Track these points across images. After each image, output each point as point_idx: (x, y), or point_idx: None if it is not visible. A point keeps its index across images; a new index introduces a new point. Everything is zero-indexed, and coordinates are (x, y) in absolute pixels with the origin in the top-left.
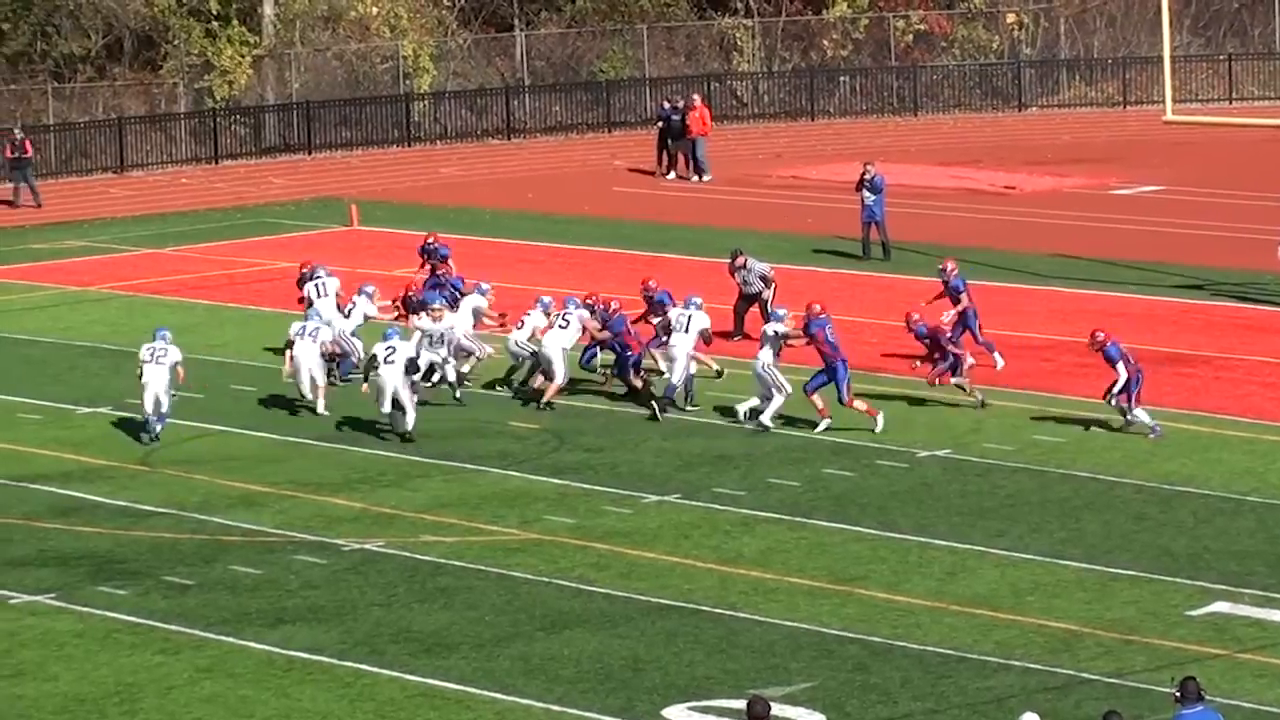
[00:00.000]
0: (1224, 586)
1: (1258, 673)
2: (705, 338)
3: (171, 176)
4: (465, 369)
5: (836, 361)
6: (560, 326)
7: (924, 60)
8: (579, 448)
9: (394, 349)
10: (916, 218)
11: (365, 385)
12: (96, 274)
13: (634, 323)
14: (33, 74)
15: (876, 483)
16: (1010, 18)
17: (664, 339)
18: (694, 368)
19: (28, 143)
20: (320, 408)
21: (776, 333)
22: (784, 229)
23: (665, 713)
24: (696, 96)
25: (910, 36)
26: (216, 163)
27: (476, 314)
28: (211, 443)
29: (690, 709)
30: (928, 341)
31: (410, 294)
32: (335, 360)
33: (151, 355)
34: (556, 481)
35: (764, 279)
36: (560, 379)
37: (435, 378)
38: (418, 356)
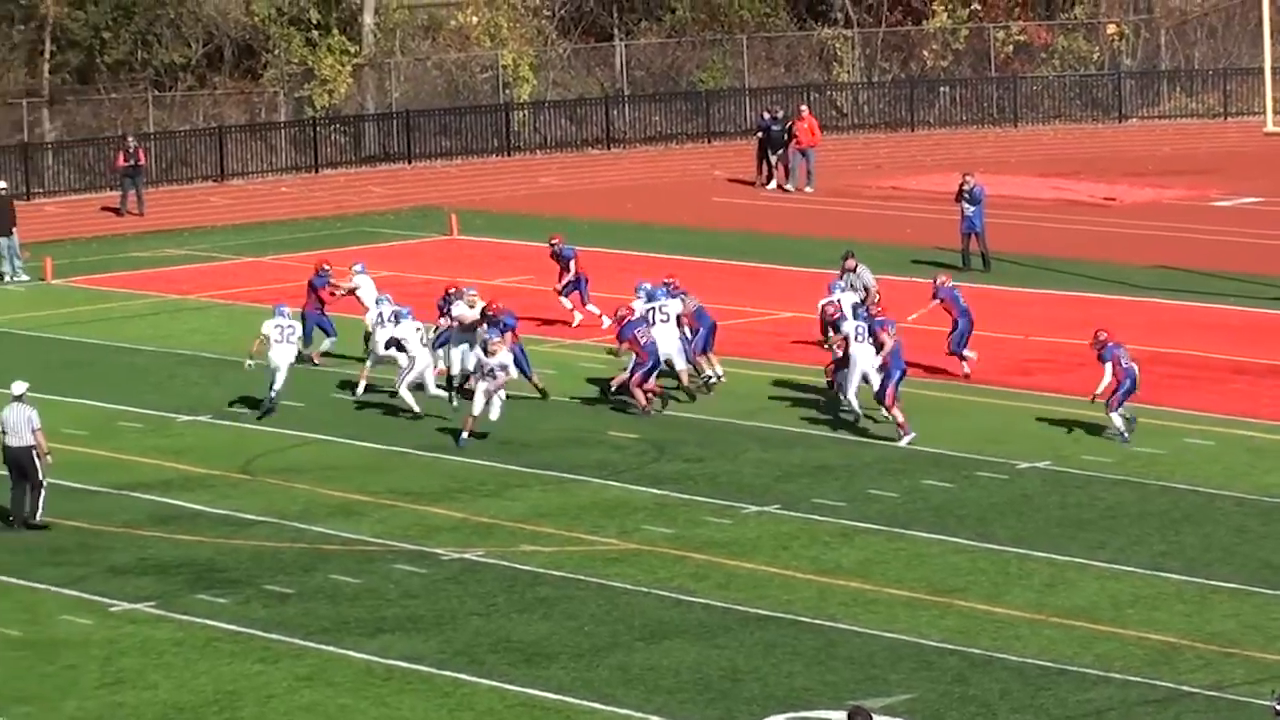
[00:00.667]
0: None
1: None
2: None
3: (271, 185)
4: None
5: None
6: (662, 321)
7: (1024, 71)
8: (678, 458)
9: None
10: (1015, 229)
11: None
12: (196, 282)
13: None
14: (134, 83)
15: (975, 494)
16: (1111, 29)
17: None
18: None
19: (141, 151)
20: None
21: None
22: (883, 239)
23: None
24: (804, 108)
25: (1010, 47)
26: (316, 171)
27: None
28: (312, 451)
29: None
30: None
31: (448, 293)
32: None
33: (281, 335)
34: (655, 492)
35: (867, 289)
36: (683, 364)
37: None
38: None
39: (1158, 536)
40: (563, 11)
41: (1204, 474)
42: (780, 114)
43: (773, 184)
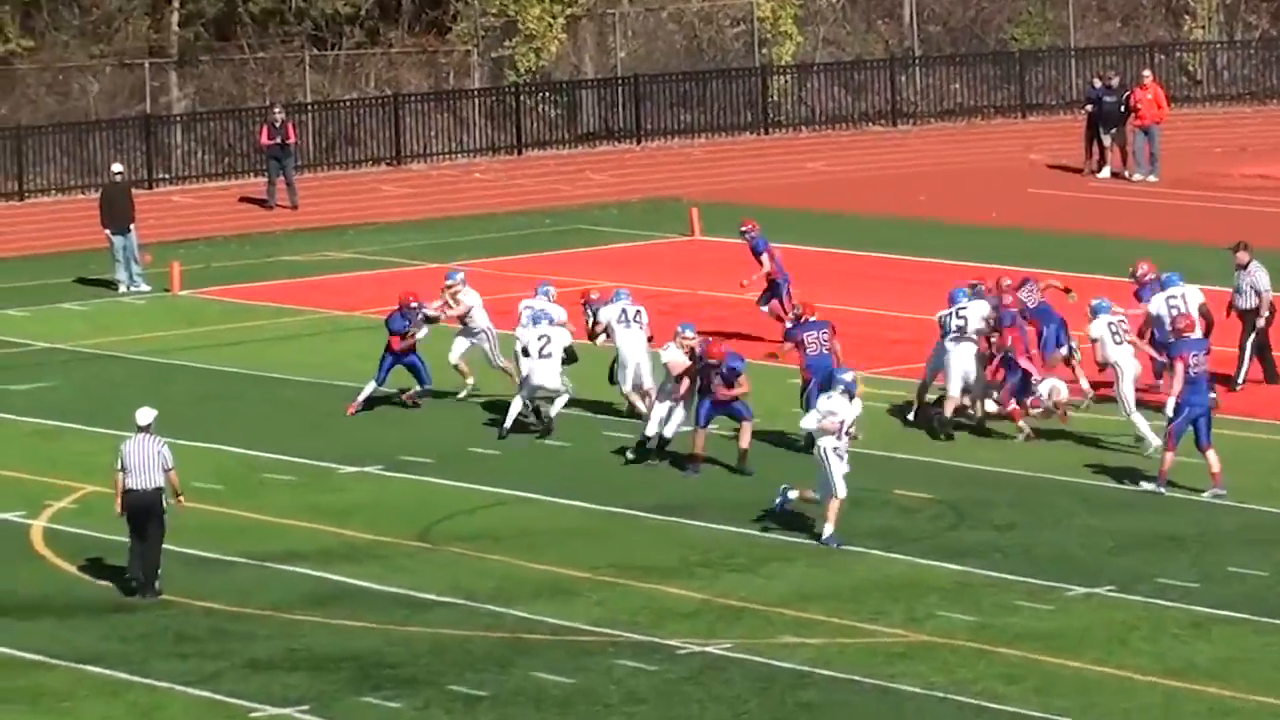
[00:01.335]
0: None
1: None
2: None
3: (462, 170)
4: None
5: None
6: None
7: None
8: (984, 524)
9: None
10: None
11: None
12: (364, 294)
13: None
14: (286, 38)
15: None
16: None
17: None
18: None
19: (290, 126)
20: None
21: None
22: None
23: None
24: (1147, 73)
25: None
26: (519, 153)
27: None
28: (510, 512)
29: None
30: None
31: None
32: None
33: (536, 349)
34: (954, 567)
35: (1259, 294)
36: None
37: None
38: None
39: None
40: None
41: None
42: (1115, 82)
43: (1106, 171)
